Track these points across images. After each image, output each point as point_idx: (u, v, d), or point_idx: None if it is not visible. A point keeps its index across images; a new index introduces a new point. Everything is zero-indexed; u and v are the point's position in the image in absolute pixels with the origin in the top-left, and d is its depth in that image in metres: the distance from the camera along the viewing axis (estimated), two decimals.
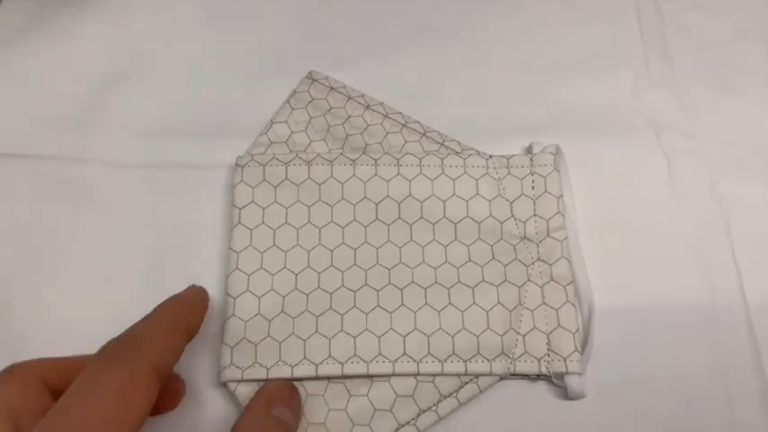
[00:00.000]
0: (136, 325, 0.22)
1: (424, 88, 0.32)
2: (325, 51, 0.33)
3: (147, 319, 0.23)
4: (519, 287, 0.27)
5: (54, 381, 0.21)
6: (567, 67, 0.33)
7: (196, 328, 0.25)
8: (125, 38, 0.34)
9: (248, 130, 0.31)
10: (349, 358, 0.26)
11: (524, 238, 0.28)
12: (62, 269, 0.29)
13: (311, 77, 0.32)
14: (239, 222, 0.28)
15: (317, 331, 0.26)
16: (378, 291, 0.27)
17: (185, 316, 0.24)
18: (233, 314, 0.26)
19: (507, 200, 0.28)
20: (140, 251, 0.29)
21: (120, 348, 0.21)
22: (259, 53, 0.34)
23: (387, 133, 0.30)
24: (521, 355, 0.26)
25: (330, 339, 0.26)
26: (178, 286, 0.26)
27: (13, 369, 0.21)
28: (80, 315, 0.27)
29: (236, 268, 0.27)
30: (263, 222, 0.28)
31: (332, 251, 0.28)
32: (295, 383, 0.26)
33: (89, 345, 0.21)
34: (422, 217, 0.28)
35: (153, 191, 0.30)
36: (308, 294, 0.27)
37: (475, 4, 0.35)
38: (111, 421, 0.18)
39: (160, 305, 0.24)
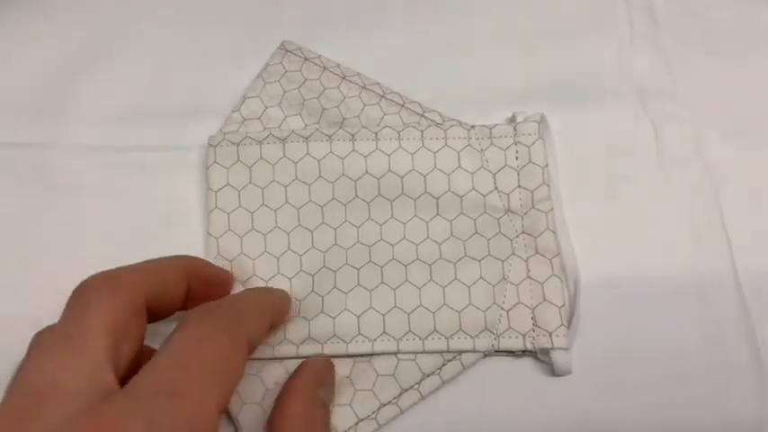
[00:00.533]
0: (234, 297, 0.22)
1: (403, 59, 0.31)
2: (299, 22, 0.32)
3: (243, 297, 0.23)
4: (503, 261, 0.26)
5: (152, 302, 0.20)
6: (550, 34, 0.32)
7: (278, 324, 0.25)
8: (92, 20, 0.33)
9: (221, 108, 0.30)
10: (329, 338, 0.25)
11: (508, 210, 0.27)
12: (37, 255, 0.28)
13: (284, 48, 0.30)
14: (216, 206, 0.27)
15: (299, 314, 0.26)
16: (358, 269, 0.26)
17: (273, 308, 0.24)
18: None
19: (490, 171, 0.27)
20: (117, 235, 0.28)
21: (223, 316, 0.20)
22: (229, 27, 0.32)
23: (364, 105, 0.29)
24: (505, 331, 0.25)
25: (310, 321, 0.25)
26: None
27: (119, 279, 0.20)
28: (57, 300, 0.27)
29: (218, 254, 0.27)
30: (240, 206, 0.27)
31: (312, 232, 0.27)
32: (276, 361, 0.25)
33: None
34: (402, 193, 0.27)
35: (127, 174, 0.29)
36: (290, 278, 0.26)
37: None
38: (217, 385, 0.18)
39: (251, 290, 0.24)
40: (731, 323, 0.26)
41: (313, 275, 0.26)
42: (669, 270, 0.27)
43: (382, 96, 0.29)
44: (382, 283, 0.26)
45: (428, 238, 0.27)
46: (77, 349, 0.18)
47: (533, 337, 0.25)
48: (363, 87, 0.30)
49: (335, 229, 0.27)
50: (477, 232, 0.27)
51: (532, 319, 0.25)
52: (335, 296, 0.26)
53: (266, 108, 0.29)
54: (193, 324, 0.19)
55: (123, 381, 0.17)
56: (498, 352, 0.25)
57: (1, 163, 0.30)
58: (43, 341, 0.18)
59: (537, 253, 0.26)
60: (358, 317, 0.25)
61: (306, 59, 0.30)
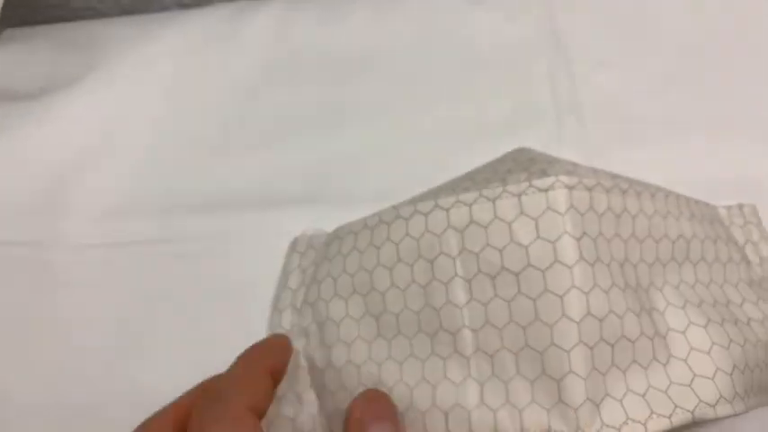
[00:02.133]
0: (229, 370, 0.23)
1: (352, 164, 0.35)
2: (269, 126, 0.37)
3: (235, 365, 0.23)
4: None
5: (178, 427, 0.22)
6: (484, 132, 0.35)
7: (280, 372, 0.25)
8: (83, 123, 0.37)
9: (200, 201, 0.34)
10: None
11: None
12: (35, 350, 0.30)
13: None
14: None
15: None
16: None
17: (270, 359, 0.24)
18: None
19: None
20: (111, 328, 0.31)
21: (220, 388, 0.21)
22: (212, 128, 0.37)
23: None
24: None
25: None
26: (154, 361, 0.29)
27: (150, 424, 0.22)
28: (54, 393, 0.29)
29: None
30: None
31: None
32: None
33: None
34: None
35: (119, 269, 0.32)
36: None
37: (392, 79, 0.38)
38: None
39: (245, 351, 0.24)
40: None
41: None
42: None
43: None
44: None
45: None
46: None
47: None
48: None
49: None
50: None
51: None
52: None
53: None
54: (201, 406, 0.21)
55: None
56: None
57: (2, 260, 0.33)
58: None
59: None
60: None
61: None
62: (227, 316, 0.30)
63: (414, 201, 0.26)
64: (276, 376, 0.24)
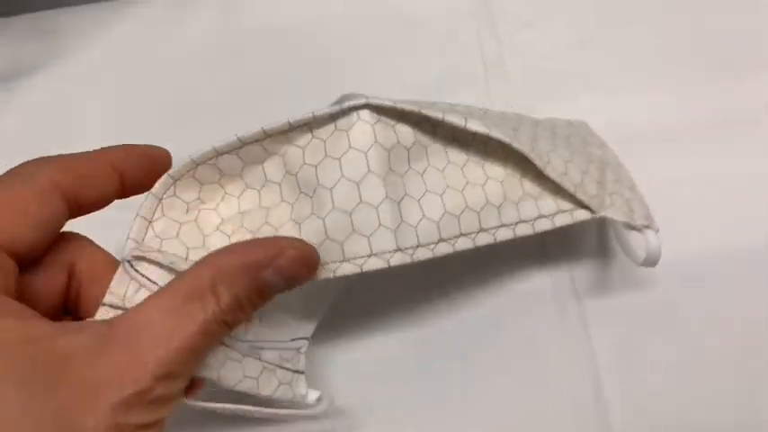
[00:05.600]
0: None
1: None
2: (224, 98, 0.40)
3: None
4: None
5: (72, 192, 0.22)
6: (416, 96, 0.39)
7: (133, 174, 0.24)
8: (44, 110, 0.39)
9: None
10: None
11: None
12: None
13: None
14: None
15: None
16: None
17: (117, 154, 0.24)
18: None
19: None
20: None
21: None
22: (168, 107, 0.40)
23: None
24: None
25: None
26: None
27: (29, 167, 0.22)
28: None
29: None
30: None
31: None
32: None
33: None
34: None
35: None
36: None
37: (330, 48, 0.41)
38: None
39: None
40: None
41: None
42: None
43: None
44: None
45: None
46: None
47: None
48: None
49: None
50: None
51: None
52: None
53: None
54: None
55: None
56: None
57: None
58: None
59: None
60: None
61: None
62: None
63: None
64: (127, 177, 0.23)
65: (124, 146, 0.24)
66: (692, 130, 0.36)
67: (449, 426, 0.30)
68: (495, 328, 0.32)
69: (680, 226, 0.30)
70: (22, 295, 0.21)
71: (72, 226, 0.24)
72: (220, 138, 0.25)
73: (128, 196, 0.24)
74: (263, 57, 0.40)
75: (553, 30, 0.41)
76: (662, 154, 0.35)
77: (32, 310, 0.20)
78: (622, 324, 0.32)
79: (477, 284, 0.33)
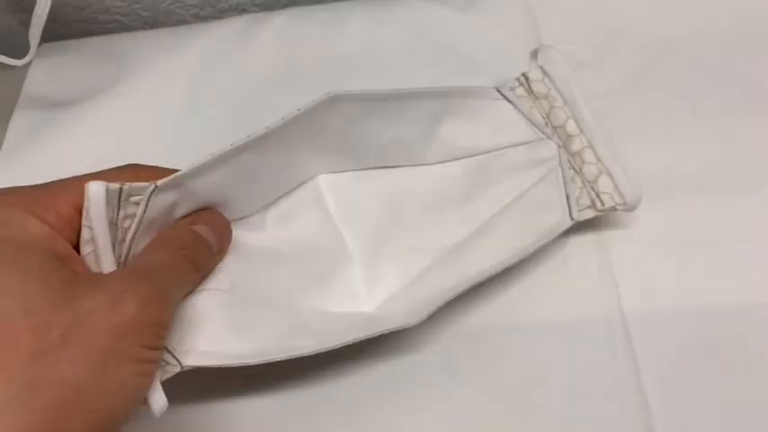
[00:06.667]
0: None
1: None
2: None
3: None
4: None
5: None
6: None
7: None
8: (110, 130, 0.41)
9: None
10: None
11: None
12: None
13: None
14: None
15: None
16: None
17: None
18: None
19: None
20: None
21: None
22: (226, 130, 0.41)
23: None
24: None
25: None
26: None
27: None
28: None
29: None
30: None
31: None
32: None
33: None
34: None
35: None
36: None
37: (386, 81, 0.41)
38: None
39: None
40: None
41: None
42: None
43: None
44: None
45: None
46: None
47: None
48: None
49: None
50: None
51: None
52: None
53: None
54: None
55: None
56: None
57: None
58: None
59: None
60: None
61: None
62: None
63: None
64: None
65: (130, 165, 0.27)
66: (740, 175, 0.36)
67: None
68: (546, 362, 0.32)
69: (727, 267, 0.32)
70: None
71: None
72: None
73: None
74: (319, 87, 0.41)
75: (603, 70, 0.41)
76: (709, 199, 0.35)
77: (82, 261, 0.24)
78: (672, 359, 0.31)
79: (526, 317, 0.33)
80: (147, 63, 0.43)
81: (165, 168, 0.27)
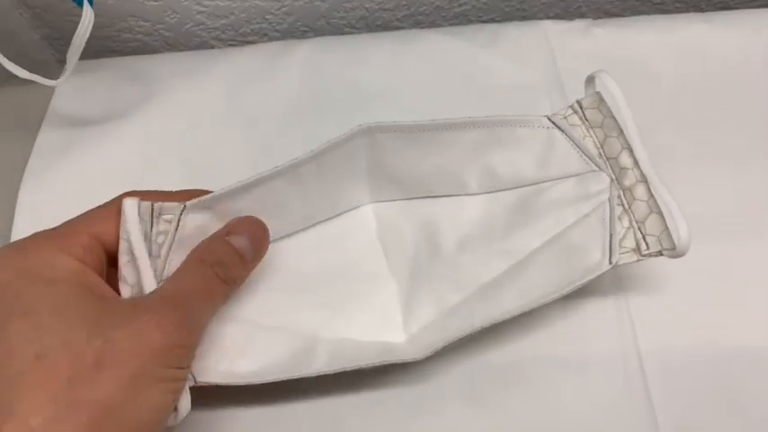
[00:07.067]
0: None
1: None
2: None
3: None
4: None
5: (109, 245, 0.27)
6: None
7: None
8: (138, 149, 0.41)
9: None
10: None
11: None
12: None
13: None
14: None
15: None
16: None
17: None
18: None
19: None
20: None
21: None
22: (249, 155, 0.41)
23: None
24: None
25: None
26: None
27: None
28: None
29: None
30: None
31: None
32: None
33: None
34: None
35: None
36: None
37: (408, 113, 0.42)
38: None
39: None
40: None
41: None
42: None
43: None
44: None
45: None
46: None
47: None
48: None
49: None
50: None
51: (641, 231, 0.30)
52: None
53: None
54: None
55: None
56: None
57: None
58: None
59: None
60: None
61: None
62: None
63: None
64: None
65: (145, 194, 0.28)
66: None
67: None
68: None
69: (745, 311, 0.32)
70: (114, 282, 0.27)
71: None
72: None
73: None
74: (344, 116, 0.42)
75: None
76: (727, 243, 0.36)
77: (109, 287, 0.26)
78: (688, 402, 0.32)
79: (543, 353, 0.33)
80: (175, 86, 0.43)
81: (167, 192, 0.29)
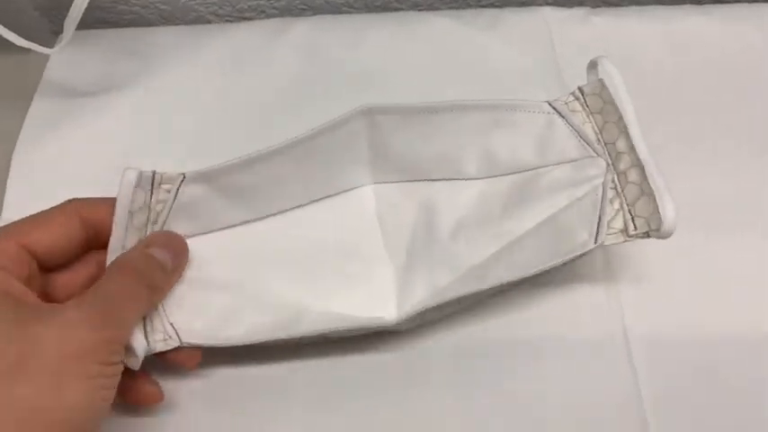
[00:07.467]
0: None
1: None
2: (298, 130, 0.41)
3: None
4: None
5: (39, 250, 0.27)
6: None
7: (95, 224, 0.29)
8: (133, 121, 0.41)
9: None
10: None
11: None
12: None
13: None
14: None
15: None
16: None
17: (84, 207, 0.29)
18: None
19: None
20: None
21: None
22: (247, 133, 0.41)
23: None
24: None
25: None
26: None
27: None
28: None
29: None
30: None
31: None
32: None
33: None
34: None
35: None
36: None
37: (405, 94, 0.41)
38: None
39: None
40: None
41: None
42: None
43: None
44: None
45: None
46: None
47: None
48: None
49: None
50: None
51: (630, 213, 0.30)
52: None
53: None
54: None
55: None
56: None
57: None
58: None
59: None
60: None
61: None
62: None
63: None
64: (90, 227, 0.28)
65: (89, 201, 0.29)
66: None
67: None
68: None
69: (731, 298, 0.33)
70: (50, 288, 0.28)
71: None
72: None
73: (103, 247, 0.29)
74: (341, 96, 0.42)
75: None
76: (717, 233, 0.37)
77: (32, 294, 0.26)
78: (672, 383, 0.33)
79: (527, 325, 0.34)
80: (170, 60, 0.43)
81: (107, 198, 0.29)
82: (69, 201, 0.29)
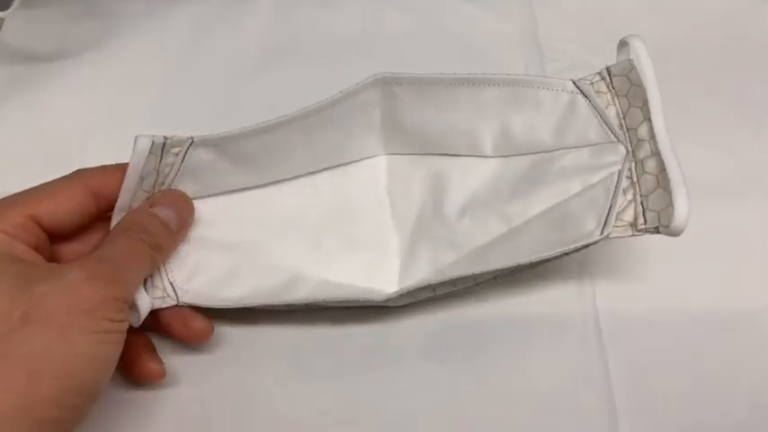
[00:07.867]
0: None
1: None
2: (270, 100, 0.39)
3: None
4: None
5: (44, 219, 0.27)
6: None
7: (105, 193, 0.28)
8: (93, 90, 0.39)
9: None
10: None
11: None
12: None
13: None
14: None
15: None
16: None
17: (92, 178, 0.28)
18: None
19: None
20: None
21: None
22: (215, 103, 0.39)
23: None
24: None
25: None
26: None
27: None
28: None
29: None
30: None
31: None
32: None
33: None
34: None
35: None
36: None
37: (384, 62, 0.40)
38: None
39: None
40: None
41: None
42: None
43: None
44: None
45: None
46: None
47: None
48: None
49: None
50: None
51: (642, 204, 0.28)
52: None
53: None
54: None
55: None
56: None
57: None
58: None
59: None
60: None
61: None
62: None
63: None
64: (100, 197, 0.28)
65: (98, 171, 0.28)
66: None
67: None
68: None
69: (704, 276, 0.33)
70: (59, 258, 0.28)
71: None
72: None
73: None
74: (313, 62, 0.41)
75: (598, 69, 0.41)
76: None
77: (39, 256, 0.26)
78: (639, 360, 0.32)
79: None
80: (135, 22, 0.41)
81: (116, 166, 0.29)
82: (77, 171, 0.28)
